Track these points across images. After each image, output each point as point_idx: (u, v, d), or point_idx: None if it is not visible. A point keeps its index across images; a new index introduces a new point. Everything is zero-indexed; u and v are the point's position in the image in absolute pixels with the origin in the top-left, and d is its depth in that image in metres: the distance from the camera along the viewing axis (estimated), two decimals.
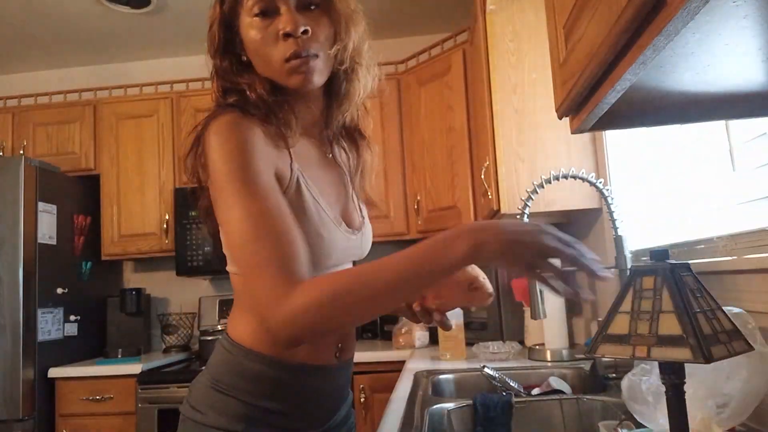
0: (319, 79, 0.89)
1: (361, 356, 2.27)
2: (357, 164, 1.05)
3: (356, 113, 1.01)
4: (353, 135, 1.05)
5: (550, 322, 1.86)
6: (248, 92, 0.88)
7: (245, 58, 0.91)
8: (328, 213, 0.90)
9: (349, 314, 0.72)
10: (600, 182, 1.37)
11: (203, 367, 0.96)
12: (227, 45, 0.91)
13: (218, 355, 0.94)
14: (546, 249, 0.65)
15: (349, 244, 0.96)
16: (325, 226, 0.89)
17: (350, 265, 1.00)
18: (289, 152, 0.87)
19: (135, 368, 2.50)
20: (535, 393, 1.41)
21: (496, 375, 1.41)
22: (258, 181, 0.78)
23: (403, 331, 2.52)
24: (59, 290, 2.66)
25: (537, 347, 1.89)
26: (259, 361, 0.89)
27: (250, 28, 0.87)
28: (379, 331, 2.90)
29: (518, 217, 1.41)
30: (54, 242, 2.66)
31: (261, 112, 0.86)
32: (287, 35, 0.84)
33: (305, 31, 0.85)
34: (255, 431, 0.88)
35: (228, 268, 0.92)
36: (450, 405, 1.30)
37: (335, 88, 0.96)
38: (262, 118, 0.86)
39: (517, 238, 0.65)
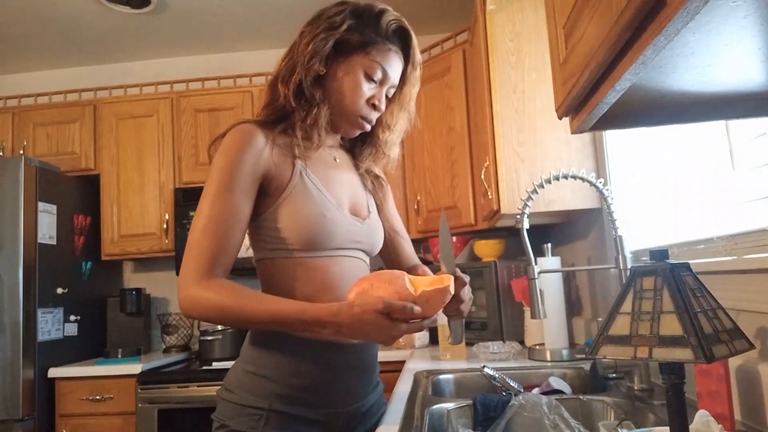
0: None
1: None
2: (377, 192, 1.25)
3: (381, 164, 1.25)
4: (375, 173, 1.26)
5: (550, 322, 1.86)
6: (313, 106, 1.05)
7: (323, 72, 1.06)
8: (330, 199, 1.07)
9: (224, 323, 1.00)
10: (600, 182, 1.37)
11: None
12: (329, 58, 1.06)
13: (247, 341, 1.08)
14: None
15: (354, 229, 1.10)
16: (327, 208, 1.05)
17: (359, 255, 1.13)
18: (294, 155, 1.06)
19: (135, 368, 2.50)
20: (535, 393, 1.40)
21: (496, 375, 1.41)
22: (231, 188, 0.98)
23: None
24: (59, 290, 2.66)
25: (537, 347, 1.89)
26: (281, 339, 1.02)
27: (358, 75, 1.07)
28: None
29: (518, 217, 1.41)
30: (54, 242, 2.66)
31: (291, 126, 1.07)
32: (374, 106, 1.10)
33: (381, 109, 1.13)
34: (280, 407, 1.00)
35: (254, 258, 1.09)
36: (450, 405, 1.30)
37: (371, 145, 1.21)
38: (283, 130, 1.07)
39: (367, 336, 0.88)
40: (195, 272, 0.94)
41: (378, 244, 1.18)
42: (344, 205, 1.10)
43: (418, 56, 1.14)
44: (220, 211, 0.97)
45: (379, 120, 1.16)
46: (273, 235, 1.03)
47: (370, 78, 1.08)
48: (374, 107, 1.10)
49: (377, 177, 1.25)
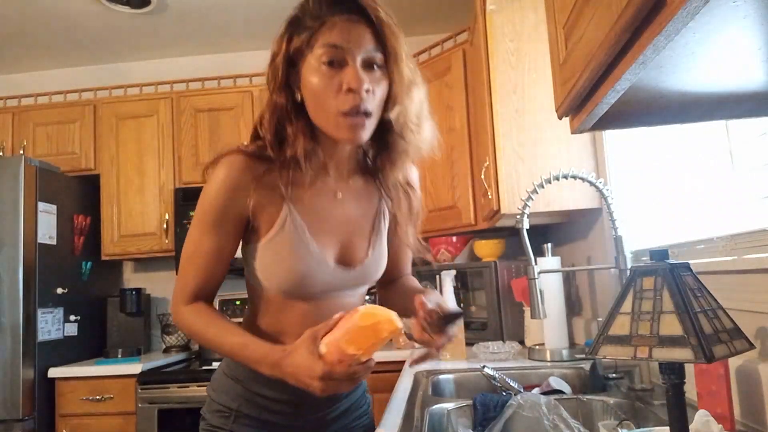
0: (365, 136, 0.94)
1: None
2: (402, 211, 1.08)
3: (405, 162, 1.05)
4: (404, 188, 1.08)
5: (550, 322, 1.86)
6: (288, 146, 0.95)
7: (300, 98, 0.94)
8: (313, 250, 0.98)
9: (198, 343, 1.09)
10: (600, 182, 1.37)
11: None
12: (287, 83, 0.95)
13: None
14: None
15: (337, 280, 1.02)
16: (307, 262, 0.98)
17: (348, 293, 1.06)
18: (285, 195, 0.97)
19: (135, 368, 2.50)
20: (535, 393, 1.40)
21: (496, 375, 1.41)
22: (215, 227, 0.97)
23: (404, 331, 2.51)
24: (59, 290, 2.66)
25: (537, 347, 1.89)
26: None
27: (315, 74, 0.91)
28: None
29: (518, 217, 1.41)
30: (54, 242, 2.66)
31: (281, 165, 0.96)
32: (350, 90, 0.89)
33: (367, 90, 0.90)
34: (246, 410, 1.04)
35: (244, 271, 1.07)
36: (450, 405, 1.30)
37: (390, 147, 1.01)
38: (272, 169, 0.96)
39: (301, 385, 0.86)
40: (181, 294, 1.01)
41: (372, 281, 1.09)
42: (330, 255, 1.01)
43: (381, 12, 0.93)
44: (205, 248, 0.98)
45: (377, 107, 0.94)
46: (253, 272, 1.02)
47: (329, 66, 0.90)
48: (350, 90, 0.89)
49: (405, 190, 1.07)
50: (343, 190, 1.04)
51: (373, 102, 0.91)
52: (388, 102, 0.94)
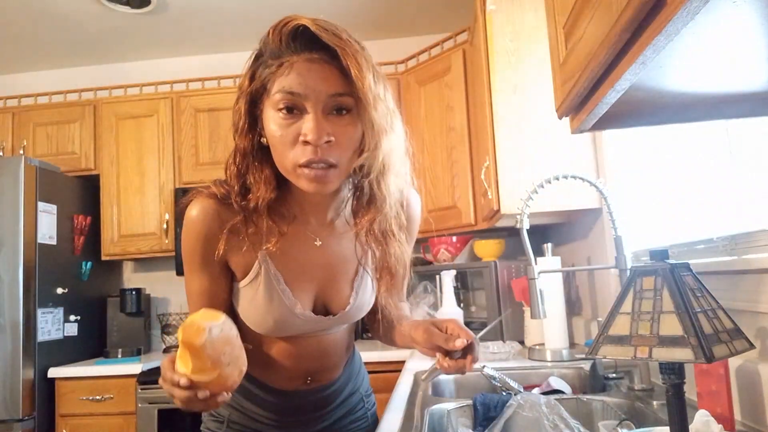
0: (331, 187, 0.86)
1: (362, 356, 2.27)
2: (376, 260, 1.01)
3: (391, 214, 0.95)
4: (377, 237, 0.97)
5: (550, 322, 1.86)
6: (250, 196, 0.89)
7: (264, 142, 0.88)
8: (288, 302, 0.95)
9: None
10: (600, 182, 1.37)
11: None
12: (251, 126, 0.88)
13: None
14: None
15: (314, 324, 0.99)
16: (281, 313, 0.95)
17: (329, 331, 1.05)
18: (253, 247, 0.92)
19: (135, 368, 2.50)
20: (535, 393, 1.40)
21: (496, 375, 1.41)
22: (197, 267, 0.95)
23: None
24: (59, 290, 2.66)
25: (537, 347, 1.88)
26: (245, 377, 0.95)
27: (272, 121, 0.83)
28: None
29: (518, 217, 1.41)
30: (54, 242, 2.66)
31: (245, 216, 0.90)
32: (307, 142, 0.81)
33: (328, 141, 0.81)
34: (237, 420, 1.08)
35: None
36: (450, 405, 1.30)
37: (361, 194, 0.94)
38: (240, 219, 0.91)
39: None
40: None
41: (356, 318, 1.07)
42: (307, 304, 0.98)
43: (348, 49, 0.80)
44: (196, 287, 0.97)
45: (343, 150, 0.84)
46: (234, 308, 1.00)
47: (287, 112, 0.82)
48: (306, 143, 0.81)
49: (378, 239, 0.96)
50: (325, 236, 0.98)
51: (336, 152, 0.83)
52: (362, 146, 0.85)
